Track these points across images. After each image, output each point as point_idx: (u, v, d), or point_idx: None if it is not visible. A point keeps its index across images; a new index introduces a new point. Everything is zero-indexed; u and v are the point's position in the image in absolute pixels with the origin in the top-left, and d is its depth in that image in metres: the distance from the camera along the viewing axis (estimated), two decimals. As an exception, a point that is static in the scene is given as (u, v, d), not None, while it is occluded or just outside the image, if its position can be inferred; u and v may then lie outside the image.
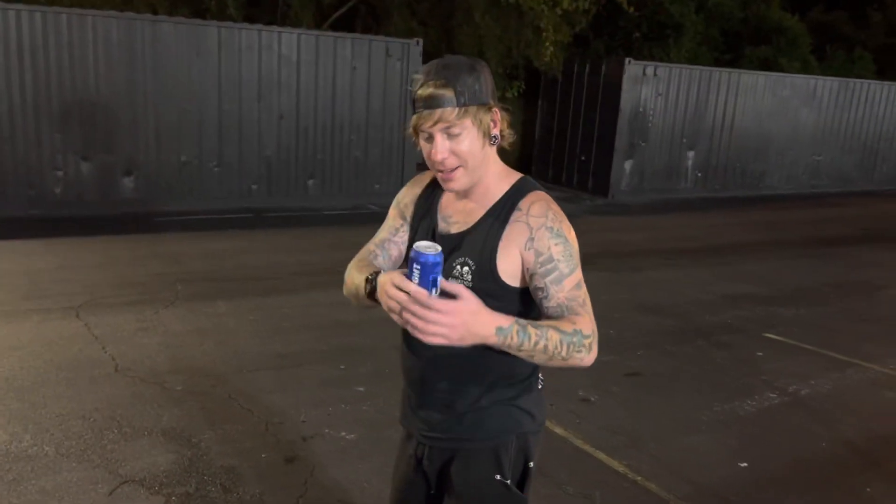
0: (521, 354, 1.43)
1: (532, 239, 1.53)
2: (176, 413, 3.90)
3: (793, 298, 7.11)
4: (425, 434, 1.71)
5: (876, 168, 16.82)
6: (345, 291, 1.66)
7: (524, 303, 1.58)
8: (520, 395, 1.68)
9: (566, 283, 1.51)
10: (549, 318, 1.51)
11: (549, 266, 1.52)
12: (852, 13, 23.94)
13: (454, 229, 1.64)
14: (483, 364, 1.60)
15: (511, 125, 1.58)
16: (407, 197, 1.78)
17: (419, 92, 1.48)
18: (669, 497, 3.33)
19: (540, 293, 1.53)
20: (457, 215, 1.65)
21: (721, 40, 17.61)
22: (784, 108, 14.86)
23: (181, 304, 5.84)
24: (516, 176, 1.65)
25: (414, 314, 1.30)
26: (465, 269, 1.56)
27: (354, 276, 1.61)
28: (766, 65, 17.00)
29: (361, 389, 4.38)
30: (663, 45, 14.98)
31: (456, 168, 1.53)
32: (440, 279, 1.33)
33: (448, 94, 1.45)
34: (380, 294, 1.44)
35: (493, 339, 1.38)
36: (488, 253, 1.55)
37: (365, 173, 11.11)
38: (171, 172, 9.78)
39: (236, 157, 10.15)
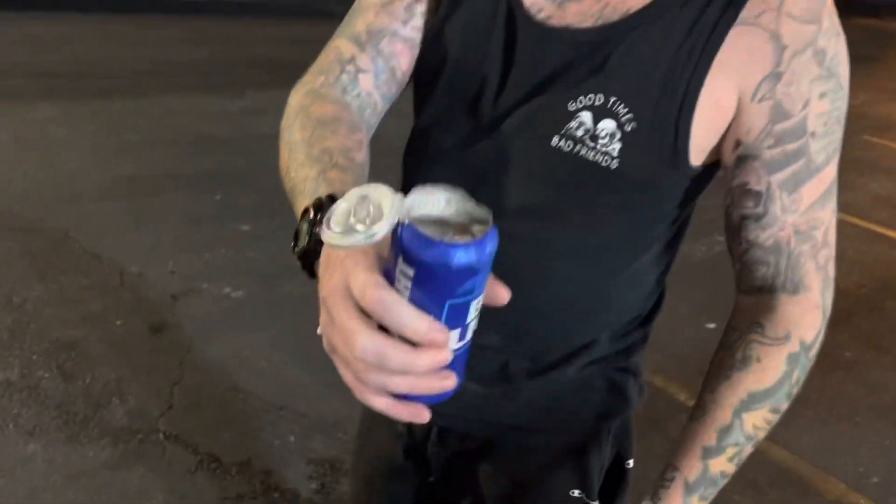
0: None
1: (778, 77, 0.71)
2: (-13, 260, 2.84)
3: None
4: (443, 411, 0.89)
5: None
6: (280, 170, 0.75)
7: (683, 201, 0.81)
8: (633, 349, 0.93)
9: (809, 187, 0.75)
10: (744, 273, 0.81)
11: (789, 147, 0.73)
12: None
13: (573, 16, 0.77)
14: (591, 294, 0.85)
15: None
16: None
17: None
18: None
19: (748, 204, 0.76)
20: None
21: None
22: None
23: (-9, 105, 4.48)
24: None
25: (405, 377, 0.47)
26: (608, 128, 0.74)
27: (291, 167, 0.71)
28: None
29: (246, 228, 3.45)
30: None
31: None
32: (480, 298, 0.47)
33: None
34: (326, 293, 0.50)
35: None
36: (675, 98, 0.73)
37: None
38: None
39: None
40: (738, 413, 0.77)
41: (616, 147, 0.73)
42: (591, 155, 0.74)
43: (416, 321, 0.44)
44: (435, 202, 0.47)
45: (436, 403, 0.50)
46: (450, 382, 0.48)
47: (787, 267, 0.76)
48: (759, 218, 0.75)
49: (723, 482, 0.78)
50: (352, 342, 0.46)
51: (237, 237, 3.35)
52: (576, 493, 0.92)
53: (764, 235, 0.76)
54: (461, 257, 0.43)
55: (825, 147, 0.74)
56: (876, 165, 6.00)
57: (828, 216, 0.77)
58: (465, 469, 0.97)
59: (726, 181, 0.78)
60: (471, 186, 0.80)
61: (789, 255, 0.76)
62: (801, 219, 0.75)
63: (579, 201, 0.79)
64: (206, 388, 2.33)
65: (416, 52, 0.84)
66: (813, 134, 0.73)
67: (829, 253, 0.77)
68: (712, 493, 0.79)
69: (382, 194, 0.46)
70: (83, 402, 2.17)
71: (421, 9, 0.83)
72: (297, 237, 0.61)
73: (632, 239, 0.83)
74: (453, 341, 0.47)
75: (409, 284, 0.45)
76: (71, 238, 3.10)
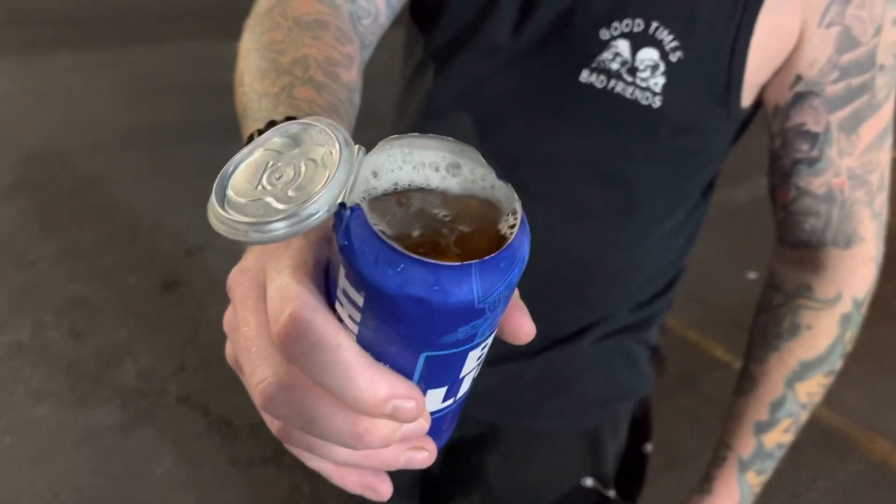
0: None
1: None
2: (1, 215, 2.79)
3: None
4: None
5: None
6: (234, 83, 0.54)
7: (724, 149, 0.72)
8: (654, 319, 0.82)
9: (868, 126, 0.65)
10: (789, 224, 0.71)
11: (854, 81, 0.63)
12: None
13: None
14: (617, 258, 0.75)
15: None
16: None
17: None
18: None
19: (802, 147, 0.66)
20: None
21: None
22: None
23: (7, 54, 4.39)
24: None
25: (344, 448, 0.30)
26: (650, 58, 0.62)
27: (246, 77, 0.51)
28: None
29: (262, 178, 3.35)
30: None
31: None
32: (487, 341, 0.28)
33: None
34: (232, 279, 0.32)
35: None
36: (731, 22, 0.61)
37: None
38: None
39: None
40: (790, 384, 0.73)
41: (659, 81, 0.62)
42: (629, 91, 0.63)
43: (363, 380, 0.26)
44: (422, 163, 0.27)
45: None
46: (424, 455, 0.31)
47: (840, 217, 0.69)
48: (813, 162, 0.67)
49: (780, 453, 0.75)
50: (256, 374, 0.29)
51: (254, 188, 3.26)
52: (589, 482, 0.82)
53: (817, 182, 0.67)
54: (454, 290, 0.24)
55: (889, 82, 0.64)
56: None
57: (885, 157, 0.68)
58: (468, 458, 0.86)
59: (776, 121, 0.67)
60: (484, 133, 0.64)
61: (843, 203, 0.68)
62: (858, 161, 0.67)
63: (611, 149, 0.68)
64: (218, 348, 2.24)
65: None
66: (882, 67, 0.63)
67: (884, 197, 0.71)
68: (771, 465, 0.76)
69: (328, 138, 0.27)
70: (93, 363, 2.12)
71: None
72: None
73: (667, 193, 0.72)
74: (434, 402, 0.29)
75: (356, 315, 0.26)
76: (85, 191, 3.04)
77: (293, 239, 0.28)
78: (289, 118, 0.37)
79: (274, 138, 0.28)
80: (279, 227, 0.25)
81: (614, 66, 0.63)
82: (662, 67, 0.62)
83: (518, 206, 0.26)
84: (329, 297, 0.27)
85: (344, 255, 0.25)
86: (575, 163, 0.69)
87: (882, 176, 0.69)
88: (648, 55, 0.62)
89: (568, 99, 0.65)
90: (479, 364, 0.29)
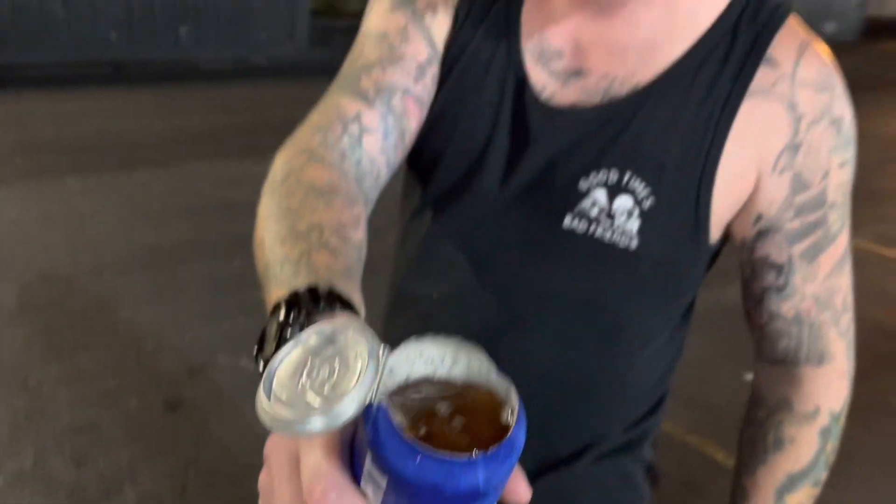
0: None
1: (797, 148, 0.69)
2: (7, 339, 2.84)
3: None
4: None
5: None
6: (254, 244, 0.59)
7: (699, 278, 0.79)
8: (645, 436, 0.85)
9: (829, 255, 0.73)
10: (765, 344, 0.78)
11: (809, 218, 0.71)
12: None
13: (579, 94, 0.72)
14: (606, 383, 0.80)
15: None
16: None
17: None
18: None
19: (769, 276, 0.74)
20: (587, 52, 0.73)
21: None
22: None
23: (20, 182, 4.57)
24: None
25: None
26: (625, 205, 0.69)
27: (267, 239, 0.56)
28: None
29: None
30: None
31: None
32: None
33: None
34: (269, 449, 0.39)
35: None
36: (695, 171, 0.69)
37: (246, 19, 9.55)
38: (1, 15, 7.94)
39: (86, -1, 8.36)
40: (780, 495, 0.78)
41: (635, 225, 0.68)
42: (608, 235, 0.69)
43: None
44: (431, 358, 0.33)
45: None
46: None
47: (810, 337, 0.74)
48: (780, 289, 0.73)
49: None
50: None
51: (256, 304, 3.30)
52: None
53: (786, 307, 0.74)
54: (462, 478, 0.29)
55: (842, 215, 0.72)
56: (914, 194, 5.81)
57: (845, 281, 0.75)
58: None
59: (744, 253, 0.74)
60: (476, 273, 0.69)
61: (811, 325, 0.74)
62: (821, 287, 0.73)
63: (596, 285, 0.73)
64: (221, 466, 2.26)
65: (424, 117, 0.76)
66: (832, 204, 0.70)
67: (849, 317, 0.76)
68: None
69: (355, 343, 0.32)
70: (95, 490, 2.11)
71: (433, 72, 0.76)
72: (262, 340, 0.46)
73: (650, 320, 0.77)
74: None
75: (380, 496, 0.31)
76: (90, 313, 3.10)
77: None
78: (311, 289, 0.44)
79: (312, 337, 0.34)
80: (316, 424, 0.30)
81: (594, 212, 0.69)
82: (637, 213, 0.68)
83: (515, 398, 0.31)
84: (353, 471, 0.32)
85: (371, 447, 0.30)
86: (564, 297, 0.74)
87: (845, 298, 0.75)
88: (624, 202, 0.68)
89: (553, 242, 0.72)
90: None
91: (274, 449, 0.37)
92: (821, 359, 0.75)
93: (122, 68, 8.36)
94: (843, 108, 0.69)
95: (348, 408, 0.29)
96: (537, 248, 0.73)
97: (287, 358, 0.33)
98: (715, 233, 0.72)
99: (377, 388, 0.30)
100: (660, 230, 0.69)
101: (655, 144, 0.69)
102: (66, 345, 2.85)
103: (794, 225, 0.70)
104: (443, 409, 0.31)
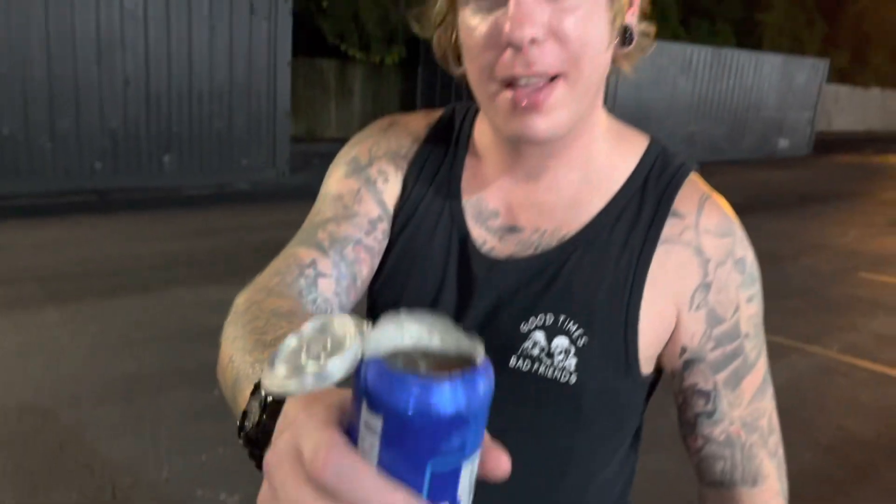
0: None
1: (708, 287, 0.78)
2: (-22, 479, 2.79)
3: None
4: None
5: (744, 137, 17.29)
6: (219, 370, 0.65)
7: (640, 408, 0.85)
8: None
9: (749, 382, 0.80)
10: (703, 467, 0.84)
11: (728, 348, 0.78)
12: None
13: (514, 247, 0.82)
14: None
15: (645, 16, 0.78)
16: (389, 146, 0.90)
17: None
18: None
19: (699, 403, 0.80)
20: (518, 211, 0.84)
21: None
22: (662, 77, 14.84)
23: (-3, 314, 4.57)
24: (640, 139, 0.85)
25: None
26: (562, 345, 0.76)
27: (236, 355, 0.61)
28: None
29: (243, 424, 3.41)
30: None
31: (555, 77, 0.70)
32: (474, 459, 0.37)
33: None
34: (268, 459, 0.38)
35: None
36: (620, 312, 0.77)
37: (230, 147, 9.90)
38: (-10, 148, 8.20)
39: (73, 130, 8.73)
40: None
41: (572, 362, 0.76)
42: (549, 372, 0.76)
43: (384, 495, 0.33)
44: (411, 332, 0.37)
45: None
46: None
47: (744, 458, 0.80)
48: (710, 414, 0.80)
49: None
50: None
51: (235, 435, 3.29)
52: None
53: (717, 431, 0.80)
54: (445, 400, 0.33)
55: (757, 345, 0.80)
56: (876, 303, 5.98)
57: (769, 405, 0.81)
58: None
59: (675, 382, 0.81)
60: None
61: (742, 446, 0.80)
62: (746, 411, 0.80)
63: (542, 418, 0.80)
64: None
65: (375, 265, 0.86)
66: (746, 335, 0.79)
67: (776, 438, 0.82)
68: None
69: (344, 324, 0.37)
70: None
71: (383, 227, 0.86)
72: (244, 419, 0.52)
73: (598, 451, 0.84)
74: None
75: (376, 442, 0.34)
76: (65, 449, 3.06)
77: (318, 404, 0.37)
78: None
79: (308, 329, 0.39)
80: (313, 380, 0.34)
81: (535, 352, 0.77)
82: (573, 351, 0.76)
83: (480, 347, 0.37)
84: (352, 438, 0.36)
85: (366, 389, 0.34)
86: (514, 431, 0.81)
87: (769, 420, 0.81)
88: (561, 342, 0.76)
89: (500, 380, 0.79)
90: (470, 492, 0.38)
91: (271, 456, 0.38)
92: (755, 480, 0.80)
93: (106, 196, 8.55)
94: (745, 249, 0.79)
95: (341, 364, 0.34)
96: None
97: (286, 346, 0.38)
98: (646, 366, 0.79)
99: (364, 349, 0.35)
100: (595, 366, 0.76)
101: (584, 289, 0.77)
102: (41, 482, 2.80)
103: (715, 355, 0.78)
104: (423, 368, 0.36)
